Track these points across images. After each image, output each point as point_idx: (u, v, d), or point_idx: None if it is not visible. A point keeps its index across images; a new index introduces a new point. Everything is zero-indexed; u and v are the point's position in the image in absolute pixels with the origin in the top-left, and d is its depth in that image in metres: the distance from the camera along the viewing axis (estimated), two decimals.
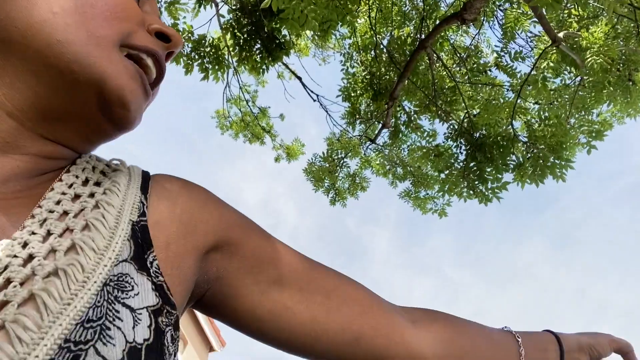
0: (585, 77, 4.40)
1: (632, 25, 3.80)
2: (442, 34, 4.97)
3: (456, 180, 5.01)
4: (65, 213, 0.40)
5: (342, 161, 6.35)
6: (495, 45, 4.88)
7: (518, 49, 4.67)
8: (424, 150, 5.50)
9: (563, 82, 4.90)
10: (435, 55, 4.98)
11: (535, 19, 4.02)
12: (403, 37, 5.22)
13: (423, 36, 4.94)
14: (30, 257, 0.35)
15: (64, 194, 0.42)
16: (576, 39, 3.81)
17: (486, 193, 4.82)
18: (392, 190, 6.53)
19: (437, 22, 4.92)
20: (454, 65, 5.43)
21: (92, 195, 0.43)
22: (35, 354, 0.30)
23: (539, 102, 4.93)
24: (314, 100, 6.38)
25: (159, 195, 0.48)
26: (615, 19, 3.79)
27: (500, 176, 4.75)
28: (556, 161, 4.41)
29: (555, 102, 4.93)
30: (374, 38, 5.32)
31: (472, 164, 4.87)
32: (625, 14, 3.68)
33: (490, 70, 5.00)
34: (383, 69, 5.45)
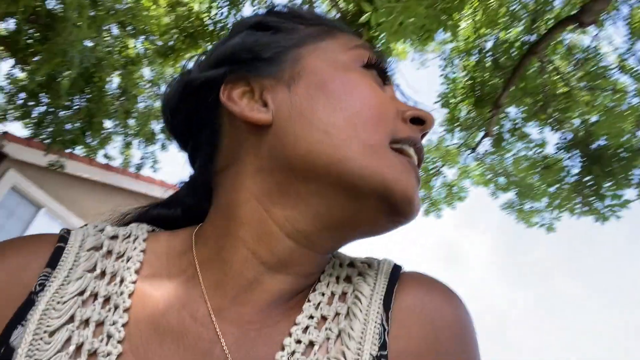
0: None
1: None
2: (556, 35, 4.59)
3: (568, 195, 4.61)
4: (312, 344, 0.41)
5: (438, 170, 6.16)
6: (619, 47, 4.38)
7: None
8: (531, 161, 5.13)
9: None
10: (547, 59, 4.62)
11: None
12: (510, 40, 4.92)
13: (533, 38, 4.61)
14: None
15: (311, 317, 0.43)
16: None
17: (603, 211, 4.37)
18: (494, 197, 6.18)
19: (550, 22, 4.55)
20: (569, 68, 4.99)
21: (337, 314, 0.44)
22: None
23: None
24: None
25: (399, 316, 0.44)
26: None
27: (620, 193, 4.27)
28: None
29: None
30: (477, 42, 5.08)
31: (587, 178, 4.44)
32: None
33: (611, 74, 4.51)
34: (487, 75, 5.18)
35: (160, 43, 4.41)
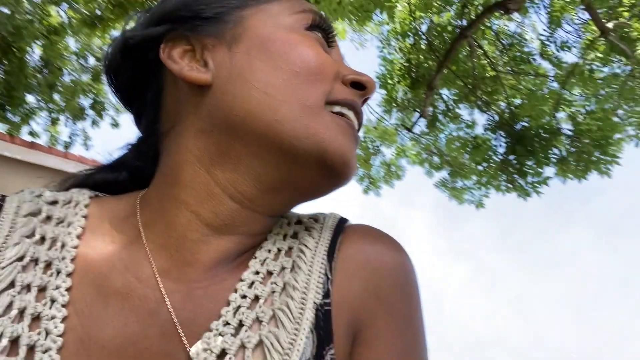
0: (635, 67, 4.16)
1: None
2: (485, 21, 4.81)
3: (494, 172, 4.91)
4: (257, 298, 0.42)
5: (377, 149, 6.33)
6: (540, 34, 4.67)
7: (564, 37, 4.46)
8: (462, 141, 5.39)
9: (612, 72, 4.65)
10: (476, 43, 4.84)
11: (583, 7, 3.83)
12: (443, 24, 5.09)
13: (464, 22, 4.80)
14: (224, 353, 0.38)
15: (257, 273, 0.43)
16: (626, 29, 3.60)
17: (525, 187, 4.70)
18: (428, 176, 6.46)
19: (480, 7, 4.76)
20: (496, 53, 5.25)
21: (283, 269, 0.44)
22: None
23: (585, 94, 4.71)
24: None
25: (342, 266, 0.45)
26: None
27: (541, 170, 4.61)
28: (601, 156, 4.23)
29: (603, 92, 4.70)
30: (413, 24, 5.21)
31: (511, 157, 4.75)
32: None
33: (534, 59, 4.81)
34: (422, 57, 5.35)
35: (86, 12, 4.14)
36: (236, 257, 0.45)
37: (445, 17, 5.13)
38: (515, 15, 4.70)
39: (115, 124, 7.21)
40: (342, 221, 0.50)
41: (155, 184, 0.48)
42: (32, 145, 5.70)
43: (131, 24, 0.53)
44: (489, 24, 5.04)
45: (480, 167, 5.26)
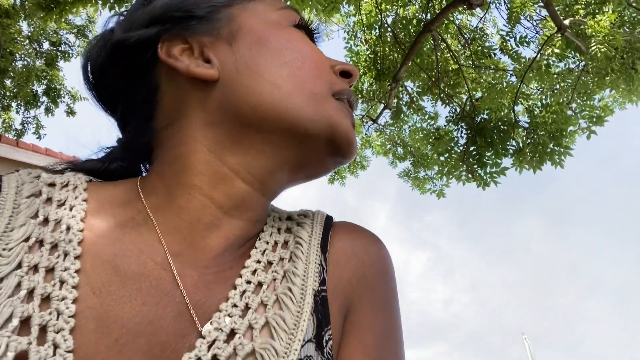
0: (589, 63, 4.38)
1: (638, 15, 3.77)
2: (448, 15, 4.91)
3: (455, 163, 5.05)
4: (260, 284, 0.45)
5: None
6: (501, 30, 4.83)
7: (523, 33, 4.63)
8: (425, 132, 5.52)
9: (567, 67, 4.88)
10: (440, 37, 4.94)
11: (541, 4, 3.98)
12: (408, 17, 5.16)
13: (428, 16, 4.89)
14: (233, 332, 0.41)
15: (258, 262, 0.47)
16: (582, 26, 3.78)
17: (484, 177, 4.87)
18: (392, 166, 6.59)
19: (444, 2, 4.86)
20: (459, 47, 5.39)
21: (282, 259, 0.49)
22: None
23: (541, 88, 4.92)
24: None
25: (334, 257, 0.51)
26: (623, 7, 3.75)
27: (499, 161, 4.79)
28: (555, 148, 4.44)
29: (558, 87, 4.92)
30: (379, 17, 5.26)
31: (472, 148, 4.90)
32: (634, 4, 3.64)
33: (494, 53, 4.97)
34: (387, 49, 5.41)
35: None
36: (240, 246, 0.48)
37: (410, 11, 5.20)
38: (477, 11, 4.83)
39: (70, 112, 6.91)
40: (329, 218, 0.56)
41: (157, 172, 0.49)
42: None
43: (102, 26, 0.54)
44: (452, 19, 5.16)
45: (442, 158, 5.40)
